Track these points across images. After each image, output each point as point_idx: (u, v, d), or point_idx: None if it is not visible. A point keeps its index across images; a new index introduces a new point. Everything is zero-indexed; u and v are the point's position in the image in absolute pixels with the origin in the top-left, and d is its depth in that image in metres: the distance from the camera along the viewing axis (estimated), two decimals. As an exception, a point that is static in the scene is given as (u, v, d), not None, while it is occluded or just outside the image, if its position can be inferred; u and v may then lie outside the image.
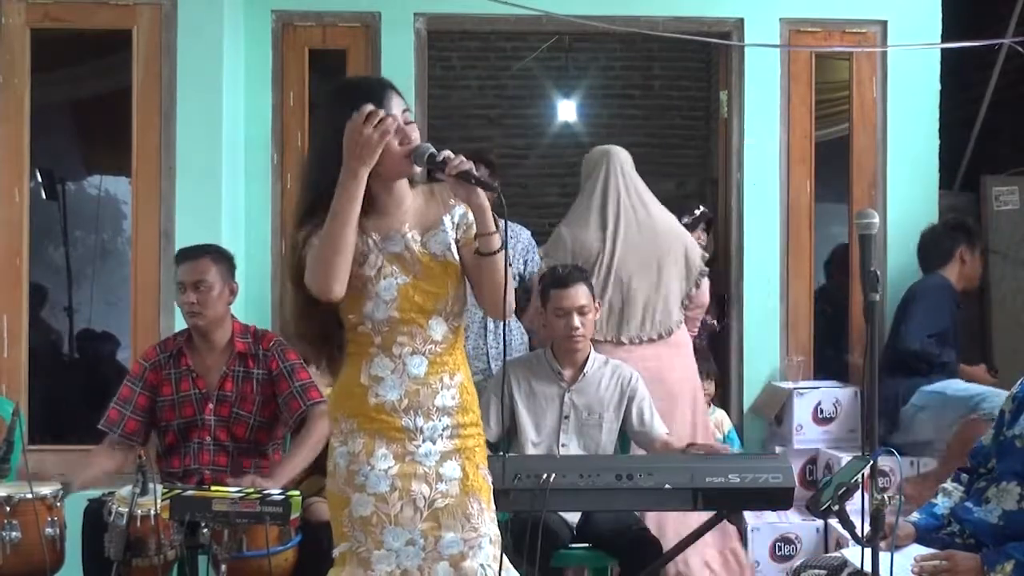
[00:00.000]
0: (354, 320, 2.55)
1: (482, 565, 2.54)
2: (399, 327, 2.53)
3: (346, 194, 2.41)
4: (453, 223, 2.60)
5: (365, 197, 2.47)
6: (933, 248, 4.66)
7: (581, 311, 3.80)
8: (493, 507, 2.63)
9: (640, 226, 4.20)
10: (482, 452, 2.63)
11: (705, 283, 4.32)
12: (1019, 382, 3.00)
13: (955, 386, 4.42)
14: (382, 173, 2.51)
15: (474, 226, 2.55)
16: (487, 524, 2.58)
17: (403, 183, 2.59)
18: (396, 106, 2.50)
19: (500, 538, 2.61)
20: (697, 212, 4.75)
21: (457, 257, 2.59)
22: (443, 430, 2.56)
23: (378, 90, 2.52)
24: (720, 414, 4.64)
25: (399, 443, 2.54)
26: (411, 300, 2.52)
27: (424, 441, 2.54)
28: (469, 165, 2.45)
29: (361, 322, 2.54)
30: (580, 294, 3.81)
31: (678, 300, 4.21)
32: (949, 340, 4.47)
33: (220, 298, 3.65)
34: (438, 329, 2.55)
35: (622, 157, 4.32)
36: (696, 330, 4.48)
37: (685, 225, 4.66)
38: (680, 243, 4.24)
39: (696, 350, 4.38)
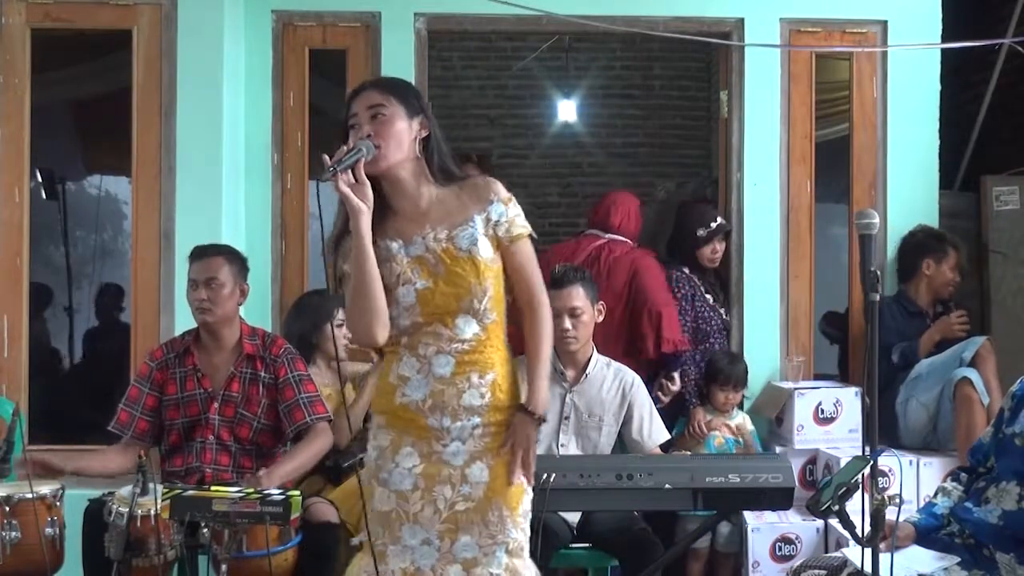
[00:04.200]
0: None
1: (492, 573, 2.53)
2: (423, 328, 2.53)
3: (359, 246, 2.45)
4: (487, 220, 2.58)
5: (381, 201, 2.49)
6: (901, 261, 4.81)
7: (573, 313, 3.76)
8: (522, 512, 2.59)
9: None
10: None
11: None
12: (1019, 381, 3.00)
13: (927, 361, 4.49)
14: (382, 178, 2.52)
15: (514, 225, 2.59)
16: (507, 531, 2.55)
17: (417, 183, 2.57)
18: (361, 108, 2.52)
19: (523, 544, 2.58)
20: (714, 224, 4.74)
21: (486, 254, 2.56)
22: (472, 429, 2.54)
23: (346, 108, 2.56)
24: (743, 417, 4.57)
25: (425, 442, 2.54)
26: (432, 303, 2.52)
27: (452, 441, 2.53)
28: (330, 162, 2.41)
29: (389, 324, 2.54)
30: (573, 295, 3.76)
31: None
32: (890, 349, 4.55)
33: (230, 297, 3.65)
34: (467, 328, 2.54)
35: None
36: None
37: (703, 236, 4.69)
38: None
39: None
